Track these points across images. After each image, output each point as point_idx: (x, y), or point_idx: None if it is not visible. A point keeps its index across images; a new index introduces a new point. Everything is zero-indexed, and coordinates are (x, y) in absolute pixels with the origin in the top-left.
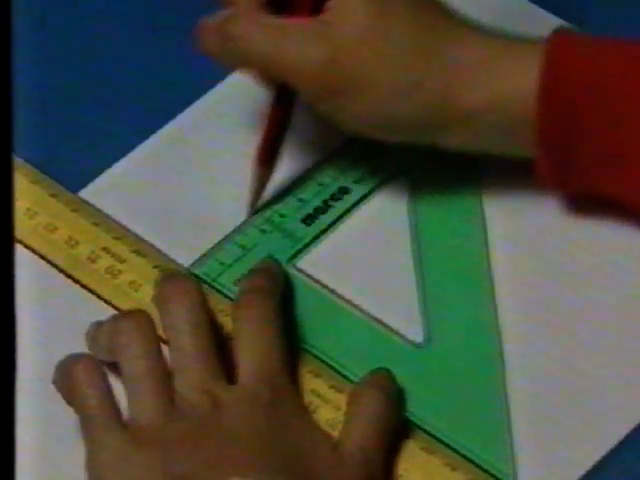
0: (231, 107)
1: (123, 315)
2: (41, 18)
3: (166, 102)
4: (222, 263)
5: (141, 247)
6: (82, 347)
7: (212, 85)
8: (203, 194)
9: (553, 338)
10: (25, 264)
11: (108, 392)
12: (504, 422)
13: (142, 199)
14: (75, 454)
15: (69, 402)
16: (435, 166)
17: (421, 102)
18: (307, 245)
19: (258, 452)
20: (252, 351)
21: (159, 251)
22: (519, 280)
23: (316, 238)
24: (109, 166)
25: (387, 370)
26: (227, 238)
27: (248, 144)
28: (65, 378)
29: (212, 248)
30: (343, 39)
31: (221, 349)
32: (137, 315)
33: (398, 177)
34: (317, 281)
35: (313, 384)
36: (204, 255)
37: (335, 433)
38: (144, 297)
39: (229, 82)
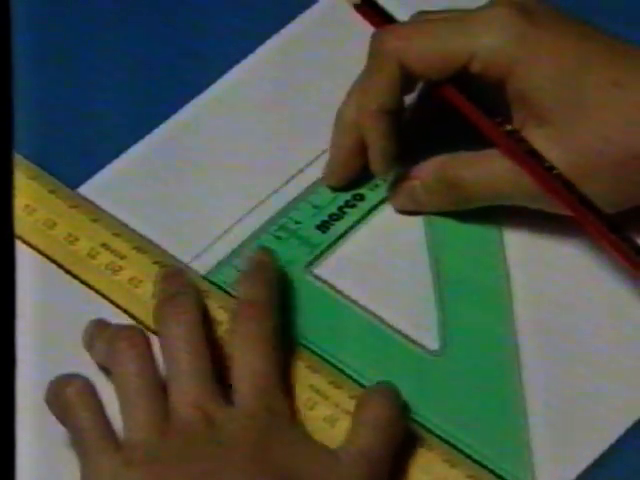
0: (231, 103)
1: (119, 332)
2: (40, 17)
3: (166, 98)
4: (239, 270)
5: (141, 243)
6: (82, 344)
7: (212, 81)
8: (203, 190)
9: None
10: (24, 260)
11: (100, 413)
12: (522, 429)
13: (142, 195)
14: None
15: (62, 422)
16: None
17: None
18: (323, 252)
19: (251, 466)
20: (248, 369)
21: (159, 247)
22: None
23: (332, 245)
24: (109, 162)
25: (390, 383)
26: (243, 245)
27: (248, 140)
28: (57, 399)
29: (229, 255)
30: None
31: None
32: (132, 333)
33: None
34: (333, 288)
35: (312, 380)
36: (221, 262)
37: (334, 430)
38: (144, 293)
39: (229, 77)
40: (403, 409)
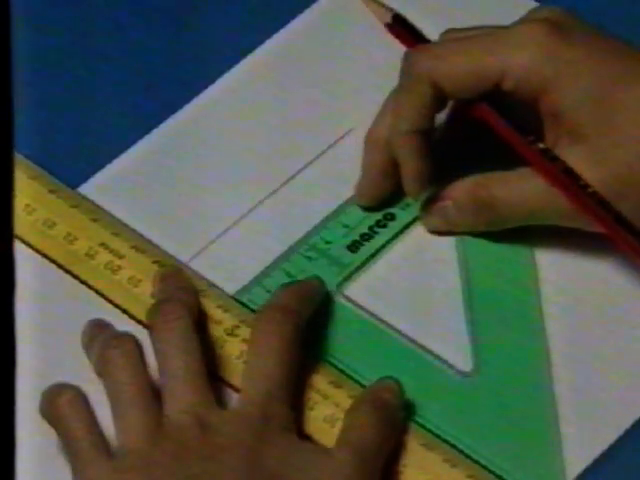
0: (231, 102)
1: (110, 341)
2: (40, 17)
3: (166, 98)
4: (268, 290)
5: (140, 243)
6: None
7: (212, 81)
8: (201, 189)
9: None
10: (24, 260)
11: (92, 423)
12: (556, 452)
13: (141, 195)
14: None
15: (56, 431)
16: None
17: None
18: (354, 272)
19: (242, 470)
20: (257, 371)
21: (158, 247)
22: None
23: (363, 265)
24: (108, 162)
25: (392, 379)
26: (273, 265)
27: (248, 139)
28: (49, 409)
29: (258, 275)
30: (616, 157)
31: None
32: (123, 341)
33: None
34: (364, 309)
35: (312, 380)
36: (250, 282)
37: (333, 430)
38: (143, 293)
39: (229, 78)
40: (398, 413)
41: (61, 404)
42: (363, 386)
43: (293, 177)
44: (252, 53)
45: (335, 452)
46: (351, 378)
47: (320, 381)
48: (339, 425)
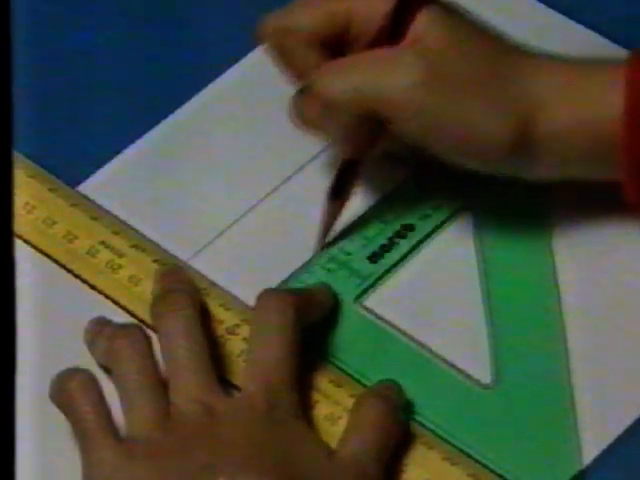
0: (231, 102)
1: (118, 331)
2: (40, 17)
3: (165, 96)
4: None
5: (140, 241)
6: (82, 342)
7: (211, 79)
8: (201, 188)
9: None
10: (24, 259)
11: (103, 407)
12: (577, 466)
13: (141, 193)
14: (75, 450)
15: (65, 416)
16: (501, 201)
17: (502, 125)
18: (373, 283)
19: (249, 456)
20: (260, 364)
21: (158, 245)
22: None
23: (382, 276)
24: (108, 160)
25: (393, 382)
26: (293, 277)
27: (246, 138)
28: (60, 394)
29: (278, 285)
30: (430, 65)
31: None
32: (131, 331)
33: (463, 213)
34: (384, 319)
35: (312, 379)
36: None
37: (334, 428)
38: (143, 291)
39: (228, 76)
40: (401, 411)
41: (71, 388)
42: None
43: (292, 176)
44: (251, 52)
45: (335, 459)
46: (363, 385)
47: (320, 380)
48: (341, 423)
